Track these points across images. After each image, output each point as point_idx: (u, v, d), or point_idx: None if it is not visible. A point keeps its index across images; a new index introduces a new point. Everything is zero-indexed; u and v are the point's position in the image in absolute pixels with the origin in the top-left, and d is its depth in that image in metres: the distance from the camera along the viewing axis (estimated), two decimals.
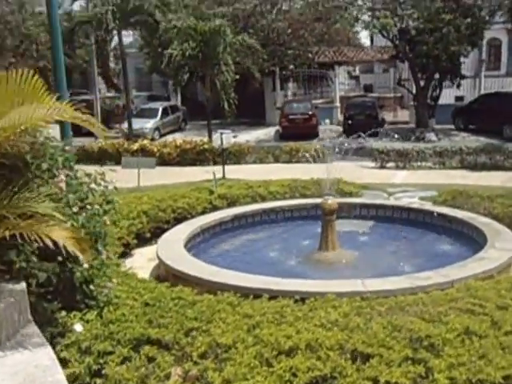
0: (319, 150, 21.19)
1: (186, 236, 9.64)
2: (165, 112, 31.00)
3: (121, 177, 16.59)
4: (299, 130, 27.75)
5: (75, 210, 6.46)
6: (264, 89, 33.61)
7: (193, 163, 20.31)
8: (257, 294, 6.71)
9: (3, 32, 19.85)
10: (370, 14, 27.89)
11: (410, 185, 15.67)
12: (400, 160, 19.16)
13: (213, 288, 7.17)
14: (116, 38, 30.35)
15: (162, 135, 29.53)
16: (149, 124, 29.49)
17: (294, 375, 4.52)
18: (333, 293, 6.50)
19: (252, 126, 32.49)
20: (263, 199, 12.13)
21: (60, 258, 5.97)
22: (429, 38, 25.94)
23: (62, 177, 6.45)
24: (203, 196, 11.90)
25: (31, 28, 25.03)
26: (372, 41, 40.31)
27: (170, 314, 5.82)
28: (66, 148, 6.84)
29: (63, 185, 6.33)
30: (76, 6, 29.41)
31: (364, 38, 40.22)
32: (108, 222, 6.75)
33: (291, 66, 32.65)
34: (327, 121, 29.08)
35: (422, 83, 29.72)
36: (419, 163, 19.16)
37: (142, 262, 9.90)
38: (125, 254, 10.11)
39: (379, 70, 42.28)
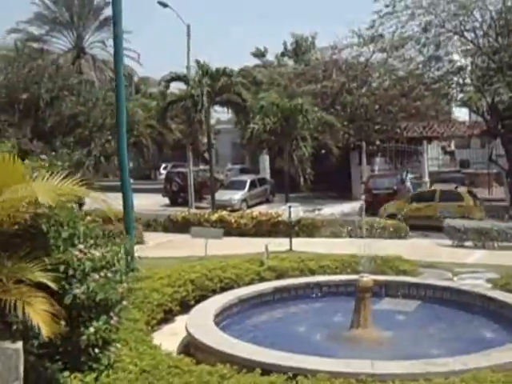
0: (395, 227, 20.96)
1: (221, 306, 9.78)
2: (252, 184, 31.92)
3: (193, 245, 17.23)
4: (383, 206, 27.32)
5: (96, 276, 6.89)
6: (351, 163, 33.75)
7: (268, 234, 20.57)
8: (267, 368, 6.77)
9: (105, 113, 21.77)
10: (458, 89, 27.56)
11: (483, 265, 14.95)
12: (478, 239, 18.34)
13: (225, 359, 7.26)
14: (213, 115, 32.26)
15: (249, 206, 30.15)
16: (237, 196, 30.42)
17: None
18: (334, 372, 6.45)
19: (338, 199, 32.43)
20: (312, 273, 12.10)
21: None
22: None
23: (81, 246, 6.89)
24: (253, 267, 12.06)
25: (132, 108, 27.36)
26: (470, 115, 39.54)
27: (160, 382, 5.97)
28: (88, 218, 7.34)
29: (77, 253, 6.75)
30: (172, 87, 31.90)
31: (458, 112, 39.31)
32: (121, 290, 7.03)
33: (377, 142, 32.63)
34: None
35: None
36: (500, 243, 18.23)
37: (181, 328, 10.07)
38: (167, 320, 10.45)
39: (476, 145, 41.11)
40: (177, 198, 33.13)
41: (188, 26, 29.85)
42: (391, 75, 28.81)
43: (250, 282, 11.56)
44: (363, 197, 13.63)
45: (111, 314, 7.00)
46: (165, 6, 29.39)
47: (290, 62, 42.71)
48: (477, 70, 26.67)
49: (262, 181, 33.42)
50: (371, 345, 8.78)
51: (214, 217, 21.54)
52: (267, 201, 33.03)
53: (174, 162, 42.48)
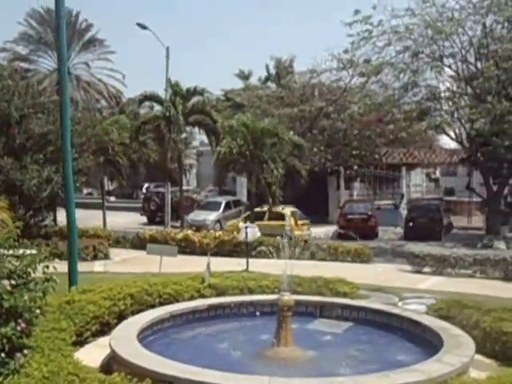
0: (359, 251, 21.20)
1: (150, 320, 9.94)
2: (227, 206, 32.38)
3: (155, 262, 17.20)
4: (357, 230, 27.65)
5: (4, 283, 7.18)
6: (328, 187, 34.05)
7: (230, 254, 20.81)
8: (167, 380, 6.97)
9: (73, 132, 22.25)
10: (435, 114, 27.77)
11: (434, 292, 15.16)
12: (436, 266, 18.55)
13: (133, 370, 7.45)
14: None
15: (222, 228, 30.40)
16: (211, 216, 30.80)
17: None
18: None
19: (315, 223, 32.64)
20: (251, 292, 12.24)
21: None
22: (501, 141, 25.22)
23: None
24: (194, 284, 12.20)
25: (107, 127, 27.82)
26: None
27: None
28: None
29: None
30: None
31: (446, 139, 39.44)
32: (26, 297, 7.25)
33: (356, 167, 32.91)
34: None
35: (495, 188, 28.83)
36: (458, 270, 18.44)
37: None
38: (104, 332, 10.55)
39: (463, 172, 41.36)
40: (155, 216, 33.54)
41: (167, 48, 30.40)
42: (369, 100, 29.12)
43: (190, 299, 11.69)
44: (287, 224, 13.82)
45: (19, 320, 7.23)
46: (143, 27, 29.93)
47: (273, 86, 43.15)
48: (453, 96, 27.01)
49: (237, 203, 33.81)
50: (288, 363, 8.90)
51: (180, 236, 21.84)
52: None
53: (157, 182, 42.98)
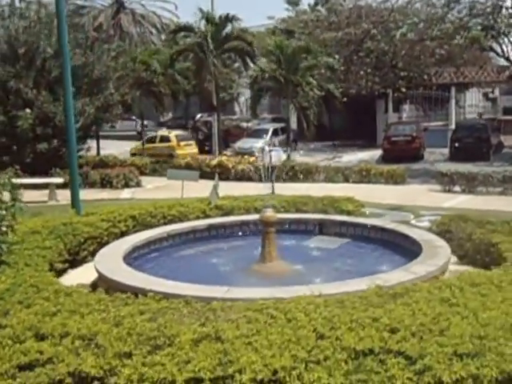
0: (391, 173, 20.91)
1: (145, 239, 10.35)
2: (275, 133, 32.05)
3: (186, 189, 17.53)
4: (401, 153, 27.14)
5: None
6: (376, 111, 33.28)
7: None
8: (136, 291, 7.33)
9: (110, 67, 22.71)
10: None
11: (455, 209, 14.87)
12: (465, 184, 18.11)
13: (110, 284, 7.90)
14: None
15: None
16: (258, 144, 30.63)
17: None
18: (189, 296, 6.83)
19: (363, 147, 32.30)
20: (258, 212, 12.35)
21: None
22: None
23: None
24: (200, 206, 12.42)
25: (148, 59, 28.10)
26: None
27: (11, 298, 6.59)
28: None
29: None
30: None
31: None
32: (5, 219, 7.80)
33: (404, 89, 31.82)
34: None
35: None
36: (487, 188, 17.95)
37: None
38: None
39: None
40: (203, 146, 33.81)
41: None
42: (412, 19, 27.81)
43: (195, 220, 11.96)
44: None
45: None
46: None
47: (322, 10, 41.97)
48: (495, 9, 25.50)
49: (285, 129, 33.49)
50: (271, 276, 9.09)
51: (214, 162, 22.13)
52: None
53: (210, 112, 43.16)
